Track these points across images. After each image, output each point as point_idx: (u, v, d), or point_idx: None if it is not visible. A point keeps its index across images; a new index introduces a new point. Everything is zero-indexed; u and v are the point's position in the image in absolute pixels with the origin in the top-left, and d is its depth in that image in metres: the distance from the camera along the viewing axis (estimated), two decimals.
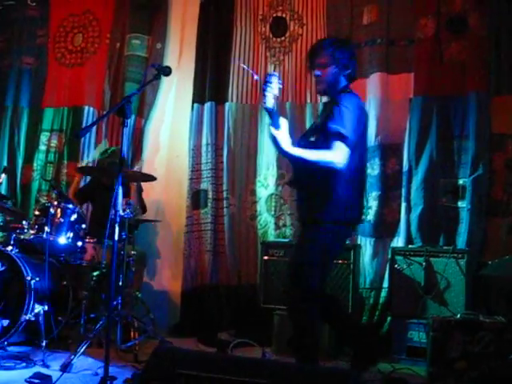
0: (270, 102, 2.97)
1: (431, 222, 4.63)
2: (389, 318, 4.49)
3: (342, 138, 2.99)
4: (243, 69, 5.29)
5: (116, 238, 3.06)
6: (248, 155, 5.34)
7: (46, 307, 3.92)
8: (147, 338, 4.10)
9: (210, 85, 5.44)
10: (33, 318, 3.86)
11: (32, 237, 4.17)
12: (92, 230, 4.65)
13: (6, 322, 3.85)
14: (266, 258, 4.64)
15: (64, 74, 5.99)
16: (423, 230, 4.62)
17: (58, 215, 4.25)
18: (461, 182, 4.60)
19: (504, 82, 4.54)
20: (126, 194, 4.44)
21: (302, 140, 3.26)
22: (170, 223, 5.51)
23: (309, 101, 5.17)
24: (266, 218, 5.22)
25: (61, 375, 3.16)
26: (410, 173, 4.71)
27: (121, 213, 3.99)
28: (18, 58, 6.10)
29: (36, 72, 6.06)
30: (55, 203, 4.27)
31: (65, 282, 4.33)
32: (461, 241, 4.48)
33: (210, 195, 5.35)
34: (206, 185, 5.39)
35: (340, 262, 4.36)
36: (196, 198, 5.41)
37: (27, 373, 3.27)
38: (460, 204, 4.58)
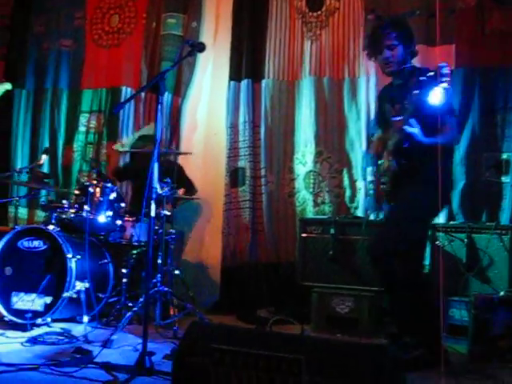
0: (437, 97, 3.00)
1: (473, 197, 4.53)
2: None
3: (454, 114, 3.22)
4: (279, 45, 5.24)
5: (153, 214, 3.07)
6: (285, 132, 5.29)
7: (87, 284, 4.00)
8: (186, 315, 4.12)
9: (247, 62, 5.40)
10: (74, 295, 3.94)
11: (72, 216, 4.24)
12: (132, 208, 4.70)
13: (48, 299, 3.96)
14: (304, 235, 4.59)
15: (101, 55, 6.04)
16: (465, 205, 4.52)
17: (98, 194, 4.31)
18: (504, 156, 4.47)
19: None
20: (164, 173, 4.46)
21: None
22: (209, 201, 5.52)
23: (347, 76, 5.08)
24: (304, 196, 5.18)
25: (100, 350, 3.22)
26: None
27: (158, 191, 4.06)
28: (56, 40, 6.18)
29: (74, 54, 6.14)
30: (94, 182, 4.33)
31: (105, 260, 4.41)
32: (504, 217, 4.37)
33: (248, 173, 5.34)
34: (243, 163, 5.38)
35: None
36: (234, 176, 5.41)
37: (70, 348, 3.35)
38: (503, 179, 4.46)
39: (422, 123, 3.20)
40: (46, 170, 5.75)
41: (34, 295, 3.95)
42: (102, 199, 4.32)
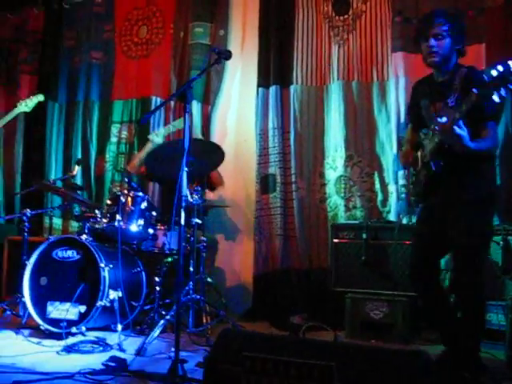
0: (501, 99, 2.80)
1: (508, 198, 4.43)
2: None
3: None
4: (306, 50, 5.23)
5: (182, 222, 3.08)
6: (315, 137, 5.27)
7: (120, 293, 4.04)
8: (219, 323, 4.12)
9: (274, 68, 5.41)
10: (108, 304, 3.98)
11: (105, 225, 4.29)
12: (163, 212, 4.72)
13: (83, 308, 4.00)
14: (336, 240, 4.56)
15: (131, 66, 6.14)
16: (500, 207, 4.41)
17: (129, 203, 4.35)
18: None
19: None
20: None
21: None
22: (240, 208, 5.53)
23: (375, 79, 5.04)
24: (335, 201, 5.15)
25: (134, 358, 3.24)
26: None
27: (189, 199, 4.08)
28: (87, 53, 6.31)
29: (104, 66, 6.25)
30: (125, 192, 4.37)
31: (138, 269, 4.45)
32: None
33: (279, 179, 5.33)
34: (274, 169, 5.37)
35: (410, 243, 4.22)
36: (265, 183, 5.41)
37: (104, 356, 3.37)
38: None
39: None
40: (79, 180, 5.85)
41: (68, 304, 4.00)
42: (133, 208, 4.35)
